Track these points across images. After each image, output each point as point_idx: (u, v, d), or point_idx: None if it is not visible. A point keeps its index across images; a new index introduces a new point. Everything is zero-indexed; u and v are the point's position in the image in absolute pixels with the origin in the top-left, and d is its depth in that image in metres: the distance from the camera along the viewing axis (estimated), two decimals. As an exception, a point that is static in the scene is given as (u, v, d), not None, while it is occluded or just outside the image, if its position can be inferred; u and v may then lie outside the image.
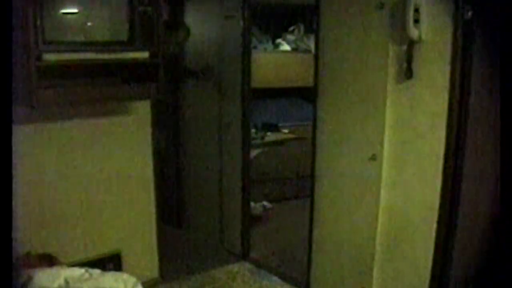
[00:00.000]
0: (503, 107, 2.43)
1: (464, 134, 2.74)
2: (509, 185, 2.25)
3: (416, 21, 2.72)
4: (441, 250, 2.87)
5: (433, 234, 2.87)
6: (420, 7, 2.72)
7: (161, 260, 3.78)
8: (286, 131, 6.20)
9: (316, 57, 3.43)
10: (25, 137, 2.92)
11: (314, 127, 3.49)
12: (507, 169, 2.30)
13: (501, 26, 2.44)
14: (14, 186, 2.82)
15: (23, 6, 2.41)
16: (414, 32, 2.74)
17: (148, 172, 3.53)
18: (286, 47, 6.45)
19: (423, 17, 2.72)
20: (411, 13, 2.72)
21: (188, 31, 4.49)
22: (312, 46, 4.09)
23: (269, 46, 6.36)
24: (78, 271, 2.44)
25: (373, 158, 3.07)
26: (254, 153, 4.93)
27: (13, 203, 2.81)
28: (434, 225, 2.86)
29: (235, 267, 4.25)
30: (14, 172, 2.83)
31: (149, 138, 3.49)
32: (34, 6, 2.42)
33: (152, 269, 3.68)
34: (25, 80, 2.56)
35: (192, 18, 4.72)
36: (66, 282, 2.36)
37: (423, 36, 2.75)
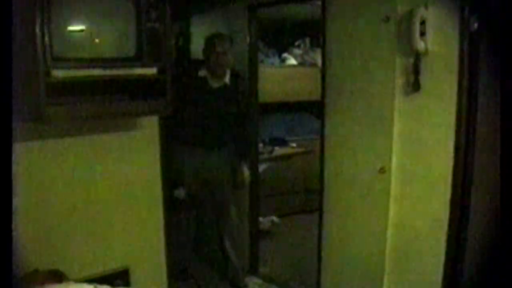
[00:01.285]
0: (503, 115, 2.43)
1: (473, 146, 2.74)
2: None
3: (423, 33, 2.73)
4: (451, 265, 2.85)
5: (443, 248, 2.85)
6: (426, 20, 2.73)
7: (170, 276, 3.76)
8: (294, 145, 6.19)
9: (323, 71, 3.44)
10: (33, 154, 2.93)
11: (322, 140, 3.49)
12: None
13: (507, 37, 2.44)
14: (21, 203, 2.84)
15: (31, 24, 2.43)
16: (420, 45, 2.75)
17: (157, 187, 3.52)
18: (292, 61, 6.47)
19: (429, 29, 2.73)
20: (417, 26, 2.73)
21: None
22: (318, 60, 4.12)
23: (276, 60, 6.38)
24: (86, 287, 2.43)
25: (382, 171, 3.06)
26: (262, 167, 4.92)
27: (20, 219, 2.83)
28: (444, 239, 2.84)
29: (244, 282, 4.22)
30: (22, 189, 2.85)
31: (157, 154, 3.49)
32: (42, 23, 2.43)
33: (160, 286, 3.66)
34: (34, 97, 2.57)
35: (198, 34, 4.75)
36: (75, 298, 2.35)
37: (430, 49, 2.76)
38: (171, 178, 4.23)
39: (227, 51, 3.96)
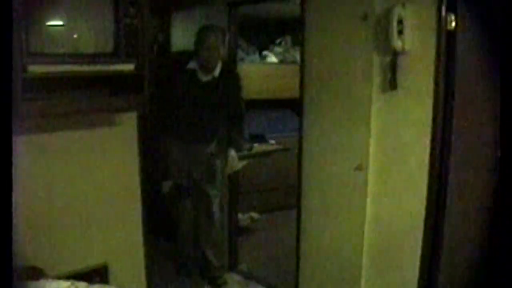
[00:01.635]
0: (502, 110, 2.47)
1: (449, 142, 2.77)
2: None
3: (400, 32, 2.75)
4: (428, 261, 2.88)
5: (420, 244, 2.88)
6: (403, 19, 2.75)
7: (148, 273, 3.75)
8: (273, 142, 6.20)
9: (302, 68, 3.45)
10: (12, 150, 2.91)
11: (300, 138, 3.50)
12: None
13: (484, 36, 2.47)
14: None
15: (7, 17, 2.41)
16: (398, 43, 2.77)
17: (135, 183, 3.51)
18: (273, 59, 6.48)
19: (407, 28, 2.75)
20: (394, 24, 2.75)
21: None
22: (299, 57, 4.14)
23: (256, 58, 6.39)
24: (64, 284, 2.42)
25: (359, 168, 3.09)
26: (241, 164, 4.92)
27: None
28: (421, 235, 2.87)
29: (223, 279, 4.23)
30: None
31: (135, 150, 3.48)
32: (19, 18, 2.41)
33: (139, 283, 3.66)
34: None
35: (178, 30, 4.74)
36: (52, 295, 2.34)
37: (407, 47, 2.78)
38: (158, 171, 4.26)
39: (218, 44, 3.92)
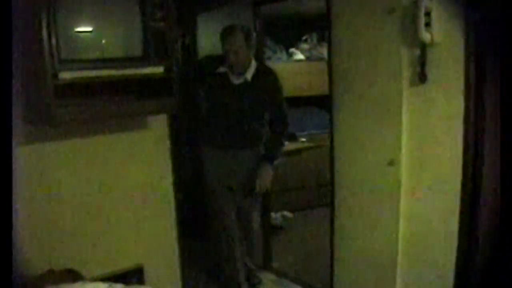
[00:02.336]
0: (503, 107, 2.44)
1: (482, 136, 2.72)
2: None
3: (428, 24, 2.72)
4: (463, 255, 2.84)
5: (455, 239, 2.84)
6: (431, 11, 2.71)
7: (183, 273, 3.78)
8: (304, 140, 6.19)
9: (330, 65, 3.43)
10: (43, 156, 2.96)
11: (331, 135, 3.49)
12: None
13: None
14: (34, 205, 2.87)
15: (38, 26, 2.45)
16: (426, 36, 2.73)
17: (168, 185, 3.54)
18: (300, 56, 6.47)
19: (435, 20, 2.71)
20: (422, 17, 2.71)
21: None
22: (325, 54, 4.09)
23: (283, 56, 6.39)
24: (101, 286, 2.45)
25: (391, 163, 3.06)
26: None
27: (33, 221, 2.86)
28: (456, 230, 2.83)
29: (258, 278, 4.24)
30: (34, 192, 2.88)
31: (167, 151, 3.51)
32: (48, 26, 2.45)
33: (174, 283, 3.69)
34: (42, 100, 2.60)
35: (203, 32, 4.76)
36: (89, 297, 2.37)
37: (436, 39, 2.74)
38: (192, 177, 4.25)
39: (241, 44, 3.68)
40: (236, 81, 3.80)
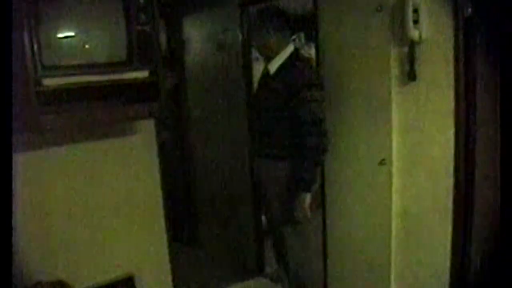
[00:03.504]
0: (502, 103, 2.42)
1: (474, 132, 2.71)
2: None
3: (416, 21, 2.70)
4: (459, 252, 2.83)
5: (449, 237, 2.83)
6: (419, 8, 2.70)
7: (174, 280, 3.74)
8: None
9: (317, 65, 3.41)
10: (29, 164, 2.91)
11: (321, 134, 3.46)
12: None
13: (501, 22, 2.41)
14: (19, 215, 2.82)
15: (19, 32, 2.41)
16: (414, 33, 2.73)
17: (157, 191, 3.50)
18: (287, 56, 6.44)
19: (423, 17, 2.71)
20: (410, 14, 2.71)
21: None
22: (314, 54, 4.05)
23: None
24: (90, 296, 2.42)
25: (383, 162, 3.04)
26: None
27: (20, 231, 2.81)
28: (450, 228, 2.82)
29: (250, 283, 4.22)
30: (19, 201, 2.83)
31: (155, 156, 3.48)
32: (30, 31, 2.41)
33: (166, 289, 3.66)
34: (26, 107, 2.55)
35: (190, 32, 4.73)
36: (79, 308, 2.33)
37: (424, 36, 2.73)
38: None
39: (258, 34, 3.32)
40: (267, 79, 3.36)
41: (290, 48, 3.26)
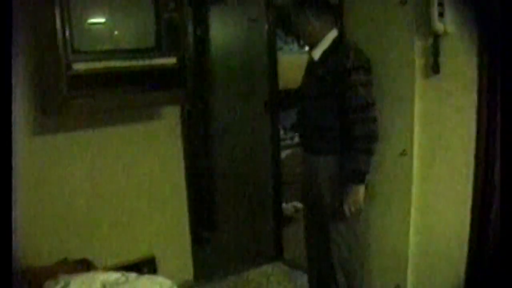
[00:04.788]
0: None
1: (495, 127, 2.70)
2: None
3: (441, 14, 2.70)
4: (476, 246, 2.83)
5: (467, 230, 2.84)
6: (444, 1, 2.69)
7: (195, 262, 3.80)
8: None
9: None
10: (57, 146, 2.99)
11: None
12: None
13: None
14: (46, 196, 2.90)
15: (51, 19, 2.47)
16: (439, 26, 2.72)
17: (180, 176, 3.56)
18: (312, 48, 6.43)
19: (448, 10, 2.69)
20: (435, 7, 2.69)
21: None
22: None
23: (295, 47, 6.36)
24: (114, 275, 2.47)
25: (404, 153, 3.05)
26: (284, 154, 4.92)
27: (48, 211, 2.89)
28: (468, 220, 2.82)
29: (269, 268, 4.25)
30: (48, 182, 2.91)
31: (179, 142, 3.53)
32: (62, 18, 2.48)
33: (186, 272, 3.71)
34: (56, 90, 2.62)
35: (216, 23, 4.76)
36: (103, 286, 2.39)
37: (449, 30, 2.72)
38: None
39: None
40: (312, 67, 3.18)
41: (333, 33, 3.07)
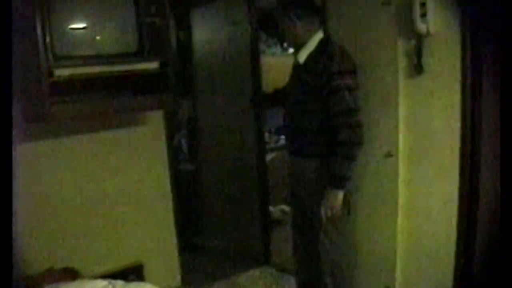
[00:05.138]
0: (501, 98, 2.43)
1: (480, 126, 2.72)
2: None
3: (423, 15, 2.71)
4: (464, 245, 2.84)
5: (455, 229, 2.84)
6: (426, 1, 2.70)
7: (182, 268, 3.78)
8: (299, 133, 6.16)
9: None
10: (41, 154, 2.95)
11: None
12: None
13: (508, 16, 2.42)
14: (30, 204, 2.87)
15: (32, 24, 2.44)
16: (422, 27, 2.73)
17: (165, 181, 3.54)
18: (294, 50, 6.44)
19: (430, 10, 2.70)
20: (417, 7, 2.71)
21: None
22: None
23: (278, 50, 6.36)
24: (101, 283, 2.44)
25: (389, 155, 3.05)
26: (269, 157, 4.91)
27: (31, 220, 2.85)
28: (455, 219, 2.83)
29: (256, 272, 4.24)
30: (33, 190, 2.87)
31: (164, 147, 3.51)
32: (43, 23, 2.45)
33: (174, 278, 3.69)
34: (38, 97, 2.59)
35: (198, 26, 4.75)
36: (90, 294, 2.37)
37: (431, 30, 2.73)
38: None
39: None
40: (297, 70, 3.15)
41: (319, 36, 3.02)
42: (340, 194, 2.93)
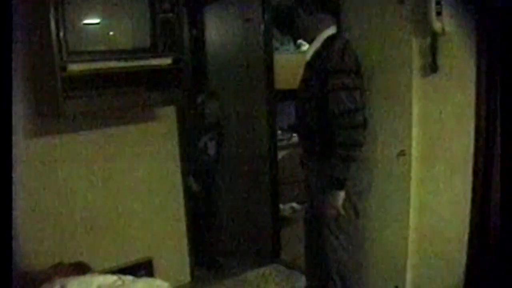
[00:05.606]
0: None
1: (493, 125, 2.70)
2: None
3: (439, 13, 2.69)
4: (476, 246, 2.82)
5: (467, 230, 2.82)
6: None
7: (192, 264, 3.79)
8: (312, 131, 6.15)
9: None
10: (53, 148, 2.96)
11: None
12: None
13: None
14: (41, 198, 2.88)
15: (46, 19, 2.45)
16: (437, 25, 2.71)
17: (177, 177, 3.55)
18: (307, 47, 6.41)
19: (446, 9, 2.68)
20: (433, 6, 2.68)
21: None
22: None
23: (291, 47, 6.34)
24: (110, 278, 2.45)
25: (402, 154, 3.03)
26: (281, 154, 4.90)
27: (42, 214, 2.86)
28: (467, 221, 2.81)
29: (266, 269, 4.23)
30: (44, 184, 2.89)
31: (176, 143, 3.51)
32: (57, 19, 2.46)
33: (184, 274, 3.70)
34: (51, 92, 2.60)
35: (211, 23, 4.74)
36: (99, 289, 2.37)
37: (447, 28, 2.71)
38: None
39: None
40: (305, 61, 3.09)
41: (328, 32, 2.95)
42: (339, 195, 2.91)
